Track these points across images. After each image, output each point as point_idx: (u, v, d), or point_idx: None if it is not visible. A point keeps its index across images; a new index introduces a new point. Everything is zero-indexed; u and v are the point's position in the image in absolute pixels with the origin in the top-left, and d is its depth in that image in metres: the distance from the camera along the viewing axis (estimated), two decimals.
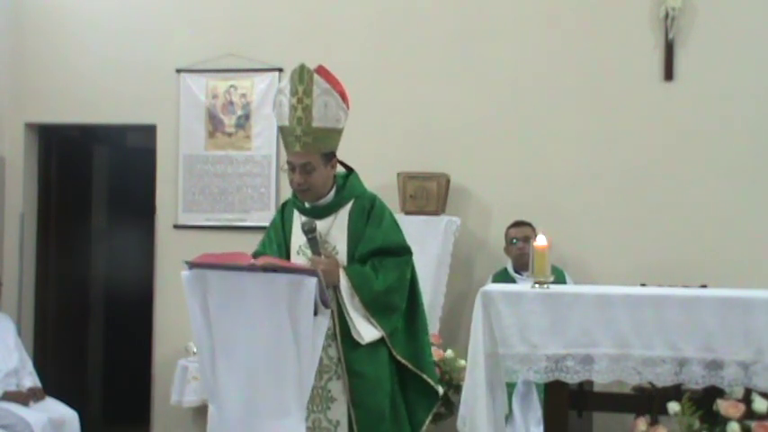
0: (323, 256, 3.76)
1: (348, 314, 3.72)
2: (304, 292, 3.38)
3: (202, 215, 6.84)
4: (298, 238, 3.86)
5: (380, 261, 3.79)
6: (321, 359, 3.68)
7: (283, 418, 3.42)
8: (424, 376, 3.88)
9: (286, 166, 3.84)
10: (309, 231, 3.75)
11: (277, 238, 3.91)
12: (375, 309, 3.74)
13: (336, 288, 3.72)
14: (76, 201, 7.76)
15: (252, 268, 3.44)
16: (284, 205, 3.97)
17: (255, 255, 3.78)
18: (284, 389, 3.43)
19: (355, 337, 3.73)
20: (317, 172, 3.77)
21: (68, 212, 7.55)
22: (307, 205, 3.87)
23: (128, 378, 7.72)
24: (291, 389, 3.43)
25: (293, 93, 3.73)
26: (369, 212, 3.87)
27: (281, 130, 3.82)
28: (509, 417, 5.49)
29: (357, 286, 3.72)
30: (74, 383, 7.35)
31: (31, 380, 6.09)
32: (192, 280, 3.51)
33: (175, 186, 6.88)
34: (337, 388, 3.76)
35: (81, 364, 7.84)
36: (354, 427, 3.73)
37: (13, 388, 5.92)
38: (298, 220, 3.87)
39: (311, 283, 3.39)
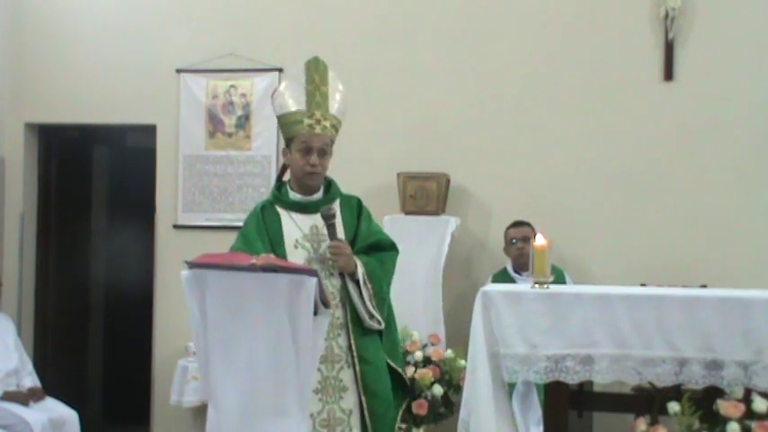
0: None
1: (363, 301, 3.78)
2: (304, 292, 3.37)
3: (202, 215, 6.84)
4: (292, 233, 3.86)
5: (378, 255, 3.90)
6: (332, 349, 3.76)
7: (283, 417, 3.42)
8: (400, 371, 3.95)
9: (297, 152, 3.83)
10: (329, 217, 3.79)
11: (261, 235, 3.85)
12: (379, 298, 3.84)
13: (349, 275, 3.79)
14: (76, 201, 7.76)
15: (251, 268, 3.44)
16: (262, 209, 3.92)
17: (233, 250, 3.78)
18: (284, 389, 3.43)
19: (370, 324, 3.80)
20: (327, 157, 3.87)
21: (68, 212, 7.55)
22: (296, 199, 3.89)
23: (128, 378, 7.72)
24: (291, 389, 3.43)
25: (309, 81, 3.83)
26: (358, 210, 3.98)
27: (294, 114, 3.83)
28: None
29: (370, 275, 3.81)
30: (74, 383, 7.36)
31: (31, 380, 6.09)
32: (192, 280, 3.51)
33: (175, 186, 6.89)
34: (348, 377, 3.79)
35: (81, 364, 7.84)
36: (366, 414, 3.76)
37: (13, 388, 5.92)
38: (287, 216, 3.87)
39: (311, 283, 3.38)
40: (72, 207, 7.64)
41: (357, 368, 3.77)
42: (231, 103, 6.82)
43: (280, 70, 6.70)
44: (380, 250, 3.93)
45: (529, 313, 3.80)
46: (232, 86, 6.82)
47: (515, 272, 6.08)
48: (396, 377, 3.92)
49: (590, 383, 4.19)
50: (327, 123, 3.84)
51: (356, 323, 3.80)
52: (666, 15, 6.25)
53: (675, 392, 3.83)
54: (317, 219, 3.85)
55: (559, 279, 5.68)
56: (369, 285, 3.80)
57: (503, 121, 6.50)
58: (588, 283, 5.89)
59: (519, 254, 6.01)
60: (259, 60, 6.74)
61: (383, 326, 3.86)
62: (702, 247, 6.16)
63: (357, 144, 6.18)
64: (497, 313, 3.82)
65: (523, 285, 4.30)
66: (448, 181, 6.31)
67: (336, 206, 3.90)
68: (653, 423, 3.78)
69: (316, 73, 3.85)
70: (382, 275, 3.86)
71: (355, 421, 3.77)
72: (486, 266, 6.36)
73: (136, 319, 7.39)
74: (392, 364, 3.91)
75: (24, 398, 5.87)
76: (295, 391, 3.43)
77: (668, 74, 6.28)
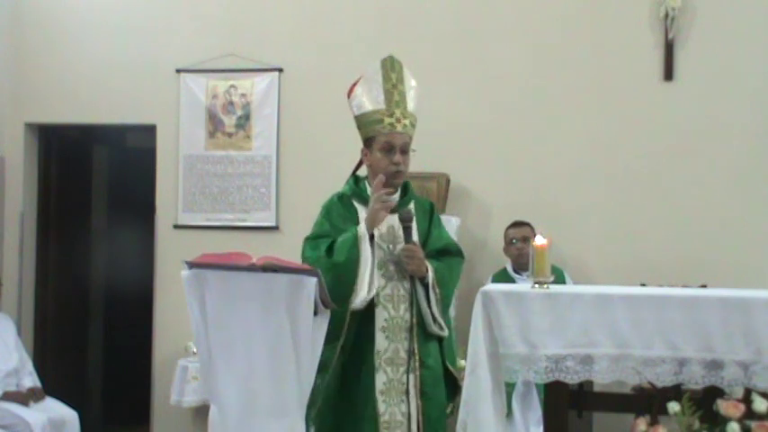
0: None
1: (430, 306, 3.79)
2: (304, 292, 3.38)
3: (202, 215, 6.84)
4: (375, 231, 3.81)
5: (447, 260, 3.91)
6: (398, 351, 3.76)
7: (282, 417, 3.43)
8: (456, 374, 3.96)
9: (382, 150, 3.80)
10: (407, 220, 3.79)
11: (347, 223, 3.81)
12: (444, 304, 3.86)
13: (418, 279, 3.78)
14: (76, 201, 7.77)
15: (251, 268, 3.44)
16: (340, 199, 3.90)
17: (321, 237, 3.73)
18: (283, 389, 3.43)
19: (435, 329, 3.81)
20: (408, 156, 3.85)
21: (68, 212, 7.55)
22: None
23: (128, 378, 7.72)
24: (291, 389, 3.43)
25: (386, 79, 3.88)
26: (430, 214, 3.99)
27: (374, 114, 3.84)
28: (509, 417, 5.48)
29: (439, 280, 3.82)
30: (74, 383, 7.36)
31: (31, 380, 6.09)
32: (192, 280, 3.51)
33: (175, 186, 6.89)
34: (410, 381, 3.79)
35: (81, 364, 7.84)
36: (420, 418, 3.76)
37: (13, 388, 5.92)
38: (365, 213, 3.83)
39: (311, 283, 3.39)
40: (72, 207, 7.64)
41: (417, 372, 3.76)
42: (231, 103, 6.82)
43: (280, 70, 6.70)
44: (448, 255, 3.93)
45: (529, 313, 3.79)
46: (232, 86, 6.82)
47: (515, 272, 6.09)
48: (450, 381, 3.93)
49: (590, 383, 4.18)
50: (407, 122, 3.84)
51: (421, 326, 3.80)
52: (666, 15, 6.25)
53: (675, 392, 3.83)
54: (393, 219, 3.83)
55: (559, 279, 5.68)
56: (437, 290, 3.81)
57: (503, 122, 6.50)
58: (588, 283, 5.88)
59: (519, 254, 6.02)
60: (259, 60, 6.74)
61: (446, 332, 3.86)
62: (702, 247, 6.16)
63: (357, 144, 6.16)
64: (497, 313, 3.81)
65: (523, 285, 4.30)
66: (448, 181, 6.31)
67: (412, 208, 3.89)
68: (653, 423, 3.77)
69: (392, 71, 3.90)
70: (450, 281, 3.88)
71: (413, 425, 3.77)
72: (487, 266, 6.36)
73: (136, 319, 7.39)
74: (450, 367, 3.92)
75: (24, 398, 5.88)
76: (294, 391, 3.43)
77: (668, 74, 6.28)
